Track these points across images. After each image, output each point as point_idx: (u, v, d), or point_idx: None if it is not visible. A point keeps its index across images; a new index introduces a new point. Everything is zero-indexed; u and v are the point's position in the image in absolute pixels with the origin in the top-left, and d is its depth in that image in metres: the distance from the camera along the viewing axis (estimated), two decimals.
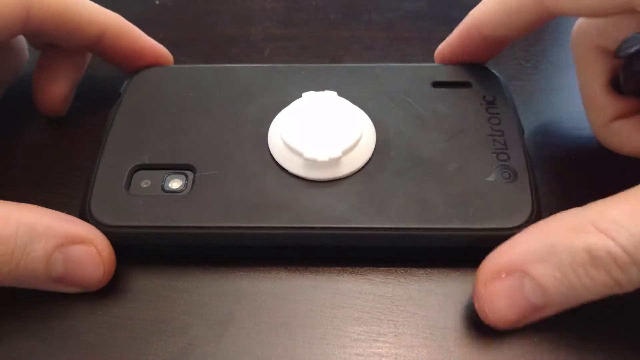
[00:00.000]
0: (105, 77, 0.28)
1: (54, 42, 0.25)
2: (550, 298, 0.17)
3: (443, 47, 0.25)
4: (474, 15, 0.23)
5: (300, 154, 0.21)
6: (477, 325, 0.19)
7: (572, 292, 0.16)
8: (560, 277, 0.16)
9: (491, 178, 0.21)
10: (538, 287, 0.17)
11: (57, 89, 0.25)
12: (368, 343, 0.19)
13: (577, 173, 0.23)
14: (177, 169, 0.21)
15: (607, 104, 0.22)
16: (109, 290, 0.20)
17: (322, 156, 0.20)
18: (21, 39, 0.26)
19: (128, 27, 0.25)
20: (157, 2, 0.34)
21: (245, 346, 0.19)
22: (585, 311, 0.19)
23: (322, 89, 0.23)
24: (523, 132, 0.23)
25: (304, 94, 0.23)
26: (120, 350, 0.19)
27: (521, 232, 0.18)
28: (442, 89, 0.24)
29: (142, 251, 0.20)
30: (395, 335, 0.19)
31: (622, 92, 0.21)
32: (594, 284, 0.16)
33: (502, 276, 0.17)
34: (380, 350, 0.18)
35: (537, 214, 0.20)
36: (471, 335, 0.19)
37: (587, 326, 0.19)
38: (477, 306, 0.18)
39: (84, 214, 0.20)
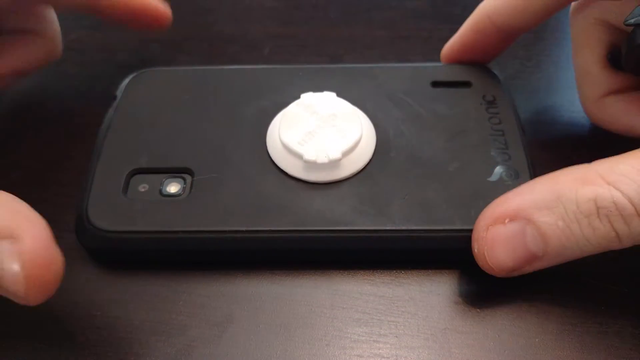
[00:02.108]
0: (106, 77, 0.28)
1: (51, 2, 0.24)
2: (549, 247, 0.17)
3: (452, 44, 0.25)
4: (486, 5, 0.23)
5: (299, 156, 0.20)
6: (478, 327, 0.19)
7: (572, 242, 0.16)
8: (563, 227, 0.16)
9: (492, 178, 0.21)
10: (540, 235, 0.17)
11: None
12: (368, 344, 0.19)
13: None
14: (175, 172, 0.21)
15: (602, 78, 0.22)
16: (108, 290, 0.20)
17: (322, 158, 0.20)
18: (53, 27, 0.25)
19: None
20: None
21: (245, 347, 0.19)
22: (585, 311, 0.19)
23: (321, 90, 0.23)
24: (524, 132, 0.22)
25: (302, 95, 0.23)
26: (119, 351, 0.19)
27: (528, 182, 0.18)
28: (442, 89, 0.24)
29: (141, 256, 0.20)
30: (396, 336, 0.19)
31: (620, 67, 0.21)
32: (595, 236, 0.16)
33: (506, 221, 0.17)
34: (380, 351, 0.18)
35: None
36: (472, 336, 0.19)
37: (588, 326, 0.19)
38: (475, 249, 0.18)
39: (81, 219, 0.20)
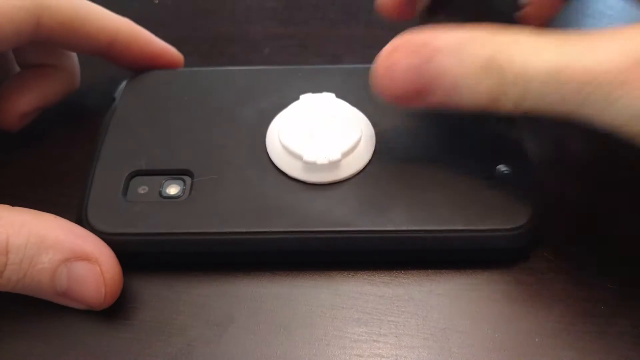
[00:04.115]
0: (106, 77, 0.28)
1: (65, 48, 0.25)
2: (439, 87, 0.18)
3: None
4: None
5: (299, 157, 0.20)
6: (477, 326, 0.19)
7: (461, 89, 0.17)
8: (459, 71, 0.17)
9: (492, 179, 0.21)
10: (436, 73, 0.17)
11: (17, 105, 0.24)
12: (368, 344, 0.19)
13: (578, 174, 0.23)
14: (174, 174, 0.21)
15: None
16: None
17: (322, 159, 0.20)
18: (73, 60, 0.26)
19: (139, 32, 0.25)
20: (156, 2, 0.34)
21: (245, 347, 0.19)
22: (585, 311, 0.19)
23: (320, 91, 0.23)
24: (523, 130, 0.23)
25: (301, 96, 0.23)
26: (119, 351, 0.19)
27: (448, 26, 0.18)
28: None
29: (141, 258, 0.20)
30: (396, 336, 0.19)
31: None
32: (478, 90, 0.17)
33: (411, 49, 0.18)
34: (380, 351, 0.18)
35: (539, 214, 0.20)
36: (472, 336, 0.19)
37: (588, 326, 0.19)
38: (375, 67, 0.18)
39: (81, 222, 0.20)
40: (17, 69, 0.25)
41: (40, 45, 0.24)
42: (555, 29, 0.20)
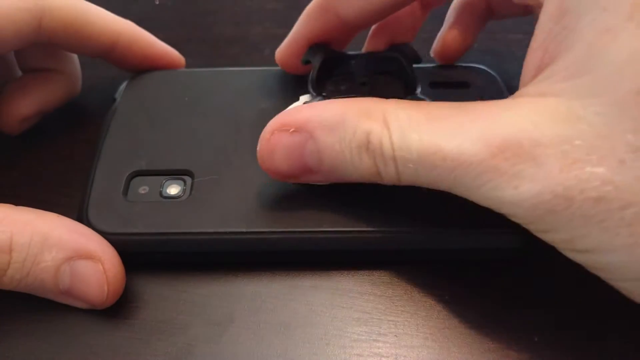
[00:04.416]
0: (106, 77, 0.28)
1: (67, 50, 0.25)
2: (323, 165, 0.18)
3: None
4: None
5: None
6: (477, 326, 0.19)
7: (342, 166, 0.18)
8: (338, 151, 0.17)
9: None
10: (317, 152, 0.18)
11: (18, 109, 0.24)
12: (368, 343, 0.19)
13: None
14: (175, 174, 0.21)
15: None
16: None
17: None
18: (74, 65, 0.26)
19: (141, 34, 0.25)
20: (157, 2, 0.34)
21: (245, 346, 0.19)
22: (585, 311, 0.19)
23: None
24: None
25: (301, 97, 0.23)
26: (120, 350, 0.19)
27: (327, 101, 0.18)
28: (440, 90, 0.24)
29: (141, 258, 0.20)
30: (396, 336, 0.19)
31: None
32: (361, 166, 0.17)
33: (291, 130, 0.18)
34: (380, 350, 0.18)
35: None
36: (472, 335, 0.19)
37: (587, 326, 0.19)
38: (258, 149, 0.19)
39: (82, 221, 0.20)
40: (19, 73, 0.25)
41: (42, 49, 0.24)
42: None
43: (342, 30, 0.23)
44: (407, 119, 0.16)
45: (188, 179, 0.21)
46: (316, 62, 0.22)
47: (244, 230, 0.20)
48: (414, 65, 0.25)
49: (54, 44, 0.23)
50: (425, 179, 0.17)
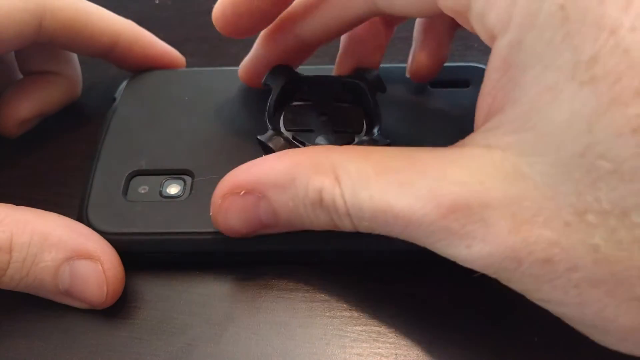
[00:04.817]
0: (106, 77, 0.28)
1: (67, 50, 0.25)
2: (280, 221, 0.18)
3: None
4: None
5: None
6: (477, 326, 0.19)
7: (299, 221, 0.18)
8: (292, 207, 0.17)
9: None
10: (271, 210, 0.18)
11: (17, 111, 0.24)
12: (368, 343, 0.19)
13: None
14: (175, 174, 0.21)
15: None
16: None
17: None
18: (74, 68, 0.26)
19: (141, 34, 0.25)
20: (157, 2, 0.34)
21: (245, 346, 0.19)
22: None
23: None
24: None
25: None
26: (120, 350, 0.19)
27: (274, 154, 0.18)
28: (440, 89, 0.24)
29: (141, 258, 0.20)
30: (396, 335, 0.19)
31: None
32: (317, 220, 0.17)
33: (241, 193, 0.18)
34: (380, 350, 0.18)
35: None
36: (472, 335, 0.19)
37: None
38: (211, 213, 0.19)
39: (82, 221, 0.20)
40: (20, 75, 0.25)
41: (43, 52, 0.24)
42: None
43: (301, 48, 0.22)
44: (357, 174, 0.16)
45: (188, 179, 0.21)
46: (276, 86, 0.22)
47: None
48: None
49: (55, 44, 0.23)
50: (381, 232, 0.16)
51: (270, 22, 0.22)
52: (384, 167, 0.16)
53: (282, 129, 0.21)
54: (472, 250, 0.15)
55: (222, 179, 0.18)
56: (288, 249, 0.20)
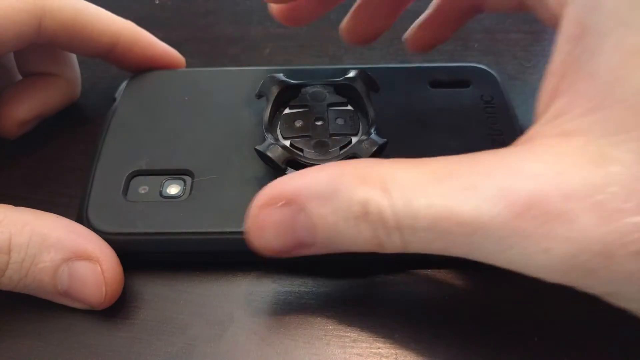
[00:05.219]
0: (106, 77, 0.28)
1: (67, 50, 0.25)
2: (317, 238, 0.16)
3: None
4: None
5: None
6: (477, 326, 0.19)
7: (339, 238, 0.16)
8: (333, 222, 0.16)
9: None
10: (310, 225, 0.16)
11: (16, 112, 0.24)
12: (368, 343, 0.19)
13: None
14: (175, 174, 0.21)
15: None
16: None
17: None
18: (74, 70, 0.26)
19: (141, 35, 0.25)
20: (157, 2, 0.34)
21: (245, 346, 0.19)
22: (585, 311, 0.19)
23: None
24: (522, 132, 0.23)
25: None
26: (120, 350, 0.19)
27: (316, 167, 0.17)
28: (440, 89, 0.24)
29: (141, 258, 0.20)
30: (396, 335, 0.19)
31: None
32: (359, 237, 0.16)
33: (279, 204, 0.16)
34: (380, 350, 0.18)
35: None
36: (472, 335, 0.19)
37: (587, 326, 0.19)
38: (246, 227, 0.17)
39: (81, 221, 0.20)
40: (19, 76, 0.25)
41: (42, 53, 0.24)
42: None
43: None
44: (410, 182, 0.15)
45: (188, 179, 0.21)
46: (270, 96, 0.22)
47: (243, 230, 0.20)
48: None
49: (54, 45, 0.23)
50: (437, 247, 0.15)
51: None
52: (441, 174, 0.15)
53: (280, 137, 0.21)
54: (552, 254, 0.13)
55: (260, 191, 0.17)
56: None
